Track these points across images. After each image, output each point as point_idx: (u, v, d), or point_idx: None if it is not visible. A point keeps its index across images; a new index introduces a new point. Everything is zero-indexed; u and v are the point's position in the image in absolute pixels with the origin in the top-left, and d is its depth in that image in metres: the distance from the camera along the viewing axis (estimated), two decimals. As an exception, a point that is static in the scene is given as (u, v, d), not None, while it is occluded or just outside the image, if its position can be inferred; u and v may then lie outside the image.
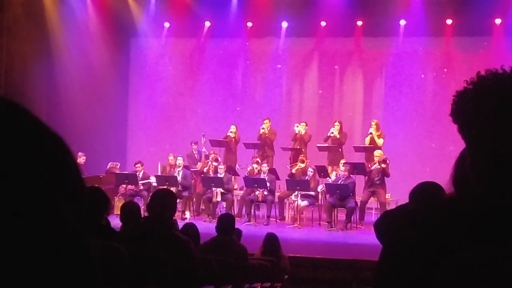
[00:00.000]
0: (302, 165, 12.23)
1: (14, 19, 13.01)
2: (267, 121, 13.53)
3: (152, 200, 4.51)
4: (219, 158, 12.95)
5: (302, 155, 12.59)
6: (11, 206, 0.68)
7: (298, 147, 13.17)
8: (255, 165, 12.42)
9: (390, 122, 14.50)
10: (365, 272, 7.89)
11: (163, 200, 4.42)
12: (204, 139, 13.68)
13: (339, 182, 11.35)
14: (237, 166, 13.28)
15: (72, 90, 13.94)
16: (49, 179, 0.71)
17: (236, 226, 6.35)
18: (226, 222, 5.96)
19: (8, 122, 0.71)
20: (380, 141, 12.67)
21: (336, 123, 13.21)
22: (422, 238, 1.14)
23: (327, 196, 11.73)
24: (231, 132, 13.59)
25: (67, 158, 0.77)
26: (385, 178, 11.61)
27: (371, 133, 12.78)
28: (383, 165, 11.46)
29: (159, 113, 15.98)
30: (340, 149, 13.06)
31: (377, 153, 11.84)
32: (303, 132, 13.28)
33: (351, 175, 11.48)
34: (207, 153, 13.44)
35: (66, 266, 0.71)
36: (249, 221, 11.64)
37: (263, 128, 13.44)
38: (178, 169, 12.55)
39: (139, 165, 12.66)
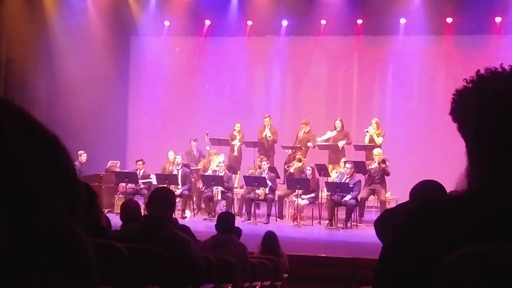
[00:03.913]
0: (299, 164, 12.22)
1: (14, 18, 13.01)
2: (267, 119, 13.46)
3: (151, 199, 4.52)
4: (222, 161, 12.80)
5: (299, 154, 12.54)
6: (6, 204, 0.68)
7: (299, 145, 13.16)
8: (258, 169, 12.32)
9: (390, 120, 14.49)
10: (365, 271, 7.89)
11: (162, 198, 4.44)
12: (208, 138, 13.59)
13: (343, 180, 11.32)
14: (238, 173, 13.19)
15: (72, 89, 13.94)
16: (45, 178, 0.71)
17: (236, 225, 6.34)
18: (225, 221, 5.95)
19: (3, 120, 0.71)
20: (379, 140, 12.65)
21: (338, 122, 13.17)
22: (422, 236, 1.14)
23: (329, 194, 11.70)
24: (235, 131, 13.53)
25: (63, 157, 0.77)
26: (386, 176, 11.62)
27: (367, 131, 12.76)
28: (382, 166, 11.47)
29: (159, 112, 15.96)
30: (340, 148, 13.04)
31: (376, 151, 11.84)
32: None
33: (355, 174, 11.47)
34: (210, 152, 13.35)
35: (62, 264, 0.71)
36: (250, 219, 11.63)
37: (269, 136, 13.22)
38: (177, 168, 12.53)
39: (140, 162, 12.67)
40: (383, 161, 11.50)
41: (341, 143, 12.89)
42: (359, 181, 11.43)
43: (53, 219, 0.71)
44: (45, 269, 0.69)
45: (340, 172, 11.78)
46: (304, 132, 13.31)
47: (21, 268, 0.68)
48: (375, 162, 11.59)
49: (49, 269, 0.70)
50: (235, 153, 13.52)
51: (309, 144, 13.15)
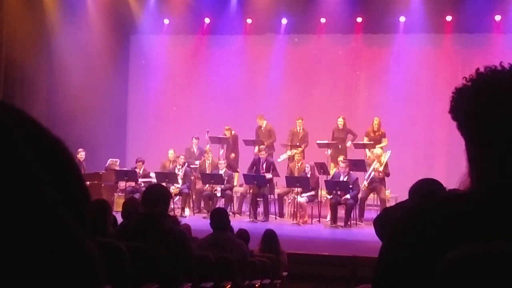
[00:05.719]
0: (298, 165, 12.20)
1: (13, 16, 12.99)
2: (263, 120, 13.52)
3: (145, 196, 4.55)
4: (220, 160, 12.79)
5: (298, 153, 12.50)
6: (7, 207, 0.68)
7: (298, 143, 13.15)
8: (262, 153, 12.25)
9: (389, 119, 14.46)
10: (364, 269, 7.89)
11: (155, 195, 4.46)
12: (208, 136, 13.58)
13: (340, 179, 11.30)
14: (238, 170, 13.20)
15: (72, 87, 13.92)
16: (47, 180, 0.71)
17: (241, 227, 6.26)
18: (219, 218, 5.81)
19: (5, 123, 0.71)
20: (383, 144, 12.66)
21: (340, 120, 13.15)
22: (421, 234, 1.14)
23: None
24: (226, 132, 13.58)
25: (68, 161, 0.77)
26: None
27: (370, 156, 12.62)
28: (384, 172, 11.52)
29: (158, 110, 15.96)
30: (339, 146, 13.03)
31: (373, 154, 11.83)
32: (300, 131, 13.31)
33: (351, 172, 11.45)
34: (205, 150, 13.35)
35: (66, 266, 0.71)
36: (256, 218, 11.59)
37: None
38: (179, 167, 12.49)
39: (140, 163, 12.66)
40: (385, 167, 11.56)
41: (349, 144, 12.99)
42: (357, 179, 11.38)
43: (57, 224, 0.71)
44: (50, 271, 0.69)
45: (338, 170, 11.78)
46: (302, 129, 13.33)
47: (25, 270, 0.68)
48: (374, 169, 11.53)
49: (54, 272, 0.69)
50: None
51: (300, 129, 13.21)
